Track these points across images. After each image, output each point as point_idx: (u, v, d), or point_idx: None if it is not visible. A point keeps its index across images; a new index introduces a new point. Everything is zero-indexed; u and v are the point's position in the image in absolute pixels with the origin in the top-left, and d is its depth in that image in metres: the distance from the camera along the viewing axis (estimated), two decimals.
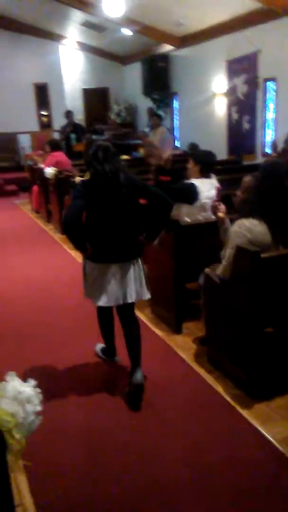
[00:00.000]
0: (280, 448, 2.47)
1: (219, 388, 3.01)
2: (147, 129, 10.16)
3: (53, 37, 12.58)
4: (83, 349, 3.59)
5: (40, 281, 5.16)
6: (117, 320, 3.21)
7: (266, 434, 2.58)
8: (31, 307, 4.48)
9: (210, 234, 3.32)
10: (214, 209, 3.18)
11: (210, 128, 9.44)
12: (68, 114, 10.55)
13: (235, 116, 8.69)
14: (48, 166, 7.37)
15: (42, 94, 13.12)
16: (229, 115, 8.85)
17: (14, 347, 3.69)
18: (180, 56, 10.34)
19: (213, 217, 3.24)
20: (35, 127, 13.11)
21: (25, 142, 12.70)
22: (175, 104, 11.15)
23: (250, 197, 2.92)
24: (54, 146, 7.88)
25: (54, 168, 7.20)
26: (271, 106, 7.91)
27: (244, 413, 2.77)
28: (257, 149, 8.17)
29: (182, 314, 3.78)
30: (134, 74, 12.22)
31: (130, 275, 2.92)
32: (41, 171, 7.71)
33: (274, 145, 7.27)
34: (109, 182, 2.78)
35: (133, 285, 2.94)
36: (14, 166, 12.40)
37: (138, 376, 2.93)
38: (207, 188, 3.60)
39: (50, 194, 7.49)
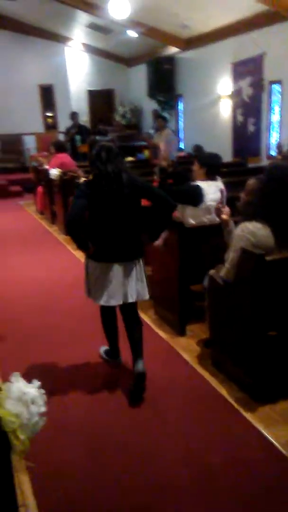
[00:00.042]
0: (284, 451, 2.46)
1: (223, 391, 3.01)
2: (152, 131, 10.18)
3: (58, 38, 12.62)
4: (86, 350, 3.59)
5: (44, 282, 5.18)
6: (120, 322, 3.22)
7: (270, 437, 2.57)
8: (35, 308, 4.49)
9: (215, 236, 3.31)
10: (218, 211, 3.18)
11: (215, 131, 9.44)
12: (73, 115, 10.57)
13: (240, 118, 8.69)
14: (53, 168, 7.39)
15: (47, 96, 13.16)
16: (234, 117, 8.85)
17: (18, 348, 3.70)
18: (186, 58, 10.35)
19: (218, 219, 3.25)
20: (40, 129, 13.15)
21: (30, 143, 12.74)
22: (180, 106, 11.16)
23: (254, 200, 2.91)
24: (59, 147, 7.91)
25: (59, 170, 7.22)
26: (276, 108, 7.91)
27: (248, 416, 2.76)
28: (262, 152, 8.17)
29: (186, 316, 3.78)
30: (139, 76, 12.25)
31: (132, 275, 2.96)
32: (46, 172, 7.73)
33: (279, 148, 7.28)
34: (112, 182, 2.81)
35: (134, 284, 2.97)
36: (19, 167, 12.44)
37: (140, 365, 2.99)
38: (212, 190, 3.60)
39: (55, 195, 7.52)
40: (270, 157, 7.91)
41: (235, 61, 8.55)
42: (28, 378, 1.48)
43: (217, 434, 2.64)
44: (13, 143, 12.71)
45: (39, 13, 11.03)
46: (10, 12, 11.52)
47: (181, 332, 3.77)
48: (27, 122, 12.62)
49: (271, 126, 8.02)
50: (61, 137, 11.21)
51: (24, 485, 2.10)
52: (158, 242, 3.79)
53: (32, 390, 1.38)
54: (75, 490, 2.28)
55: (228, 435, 2.64)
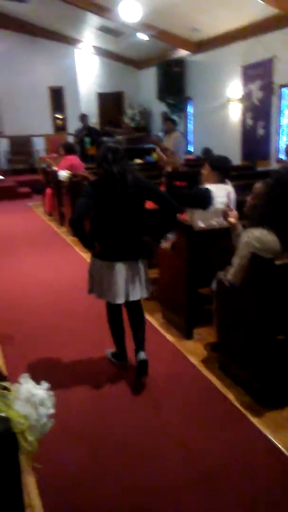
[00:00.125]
0: None
1: (230, 395, 3.00)
2: (160, 134, 10.18)
3: (69, 41, 12.68)
4: (93, 350, 3.61)
5: (52, 283, 5.19)
6: (125, 322, 3.27)
7: (276, 442, 2.56)
8: (43, 309, 4.51)
9: (224, 239, 3.31)
10: (225, 214, 3.18)
11: (224, 134, 9.42)
12: (83, 117, 10.60)
13: (249, 122, 8.67)
14: (62, 169, 7.41)
15: (57, 98, 13.21)
16: (244, 120, 8.83)
17: (26, 348, 3.72)
18: (195, 61, 10.35)
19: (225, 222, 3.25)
20: (50, 130, 13.20)
21: (39, 145, 12.81)
22: (190, 109, 11.16)
23: (260, 204, 2.91)
24: (68, 149, 7.94)
25: (68, 171, 7.25)
26: (286, 112, 7.88)
27: (255, 421, 2.75)
28: (271, 155, 8.14)
29: (193, 319, 3.77)
30: (149, 78, 12.27)
31: (135, 274, 3.04)
32: (54, 174, 7.75)
33: None
34: (117, 183, 2.89)
35: (137, 283, 3.05)
36: (28, 169, 12.49)
37: (142, 355, 3.12)
38: (222, 193, 3.59)
39: (63, 197, 7.54)
40: (279, 160, 7.87)
41: (245, 64, 8.53)
42: (35, 378, 1.49)
43: (221, 437, 2.63)
44: (22, 144, 12.77)
45: (50, 16, 11.09)
46: (21, 15, 11.59)
47: (188, 335, 3.76)
48: (37, 124, 12.68)
49: (280, 130, 8.00)
50: (71, 139, 11.26)
51: (30, 486, 2.10)
52: (166, 245, 3.79)
53: (41, 391, 1.38)
54: (76, 490, 2.29)
55: (233, 438, 2.63)
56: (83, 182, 6.29)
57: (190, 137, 11.21)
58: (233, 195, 3.74)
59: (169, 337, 3.82)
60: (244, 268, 2.83)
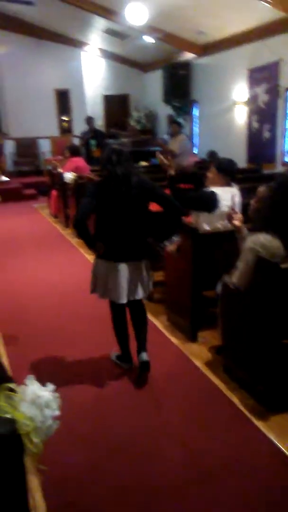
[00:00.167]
0: None
1: (234, 398, 2.99)
2: (166, 136, 10.18)
3: (75, 43, 12.71)
4: (94, 352, 3.63)
5: (57, 285, 5.20)
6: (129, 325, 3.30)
7: (281, 446, 2.55)
8: (48, 310, 4.52)
9: (229, 242, 3.31)
10: (229, 217, 3.18)
11: (230, 137, 9.42)
12: (89, 120, 10.62)
13: (255, 124, 8.66)
14: (68, 171, 7.43)
15: (63, 100, 13.24)
16: (249, 123, 8.82)
17: (30, 349, 3.73)
18: (201, 64, 10.36)
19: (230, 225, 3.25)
20: (56, 132, 13.23)
21: (45, 147, 12.84)
22: (195, 112, 11.16)
23: (264, 208, 2.90)
24: (74, 151, 7.96)
25: (74, 173, 7.26)
26: None
27: (259, 424, 2.74)
28: (277, 158, 8.13)
29: (198, 322, 3.77)
30: (154, 81, 12.28)
31: (137, 274, 3.07)
32: (60, 176, 7.77)
33: None
34: (120, 184, 2.92)
35: (139, 283, 3.09)
36: (33, 171, 12.53)
37: (144, 355, 3.17)
38: (227, 196, 3.59)
39: (69, 199, 7.55)
40: (285, 163, 7.87)
41: (251, 67, 8.53)
42: (39, 379, 1.49)
43: (224, 439, 2.63)
44: (28, 146, 12.81)
45: (57, 18, 11.13)
46: (27, 17, 11.64)
47: (192, 338, 3.76)
48: (43, 126, 12.71)
49: (286, 133, 7.99)
50: (76, 141, 11.29)
51: (34, 488, 2.11)
52: (172, 248, 3.79)
53: (46, 393, 1.38)
54: (76, 490, 2.30)
55: (237, 440, 2.63)
56: (88, 184, 6.30)
57: (196, 139, 11.21)
58: (238, 198, 3.73)
59: (173, 339, 3.81)
60: (248, 273, 2.83)
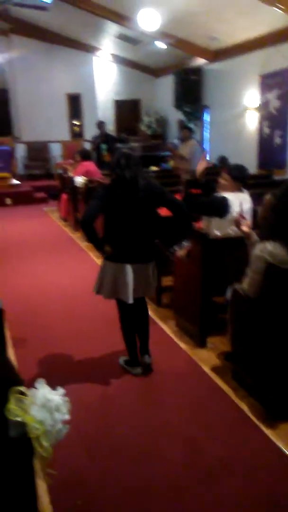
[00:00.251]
0: None
1: (243, 405, 2.97)
2: (176, 141, 10.19)
3: (87, 48, 12.80)
4: (102, 354, 3.65)
5: (67, 288, 5.22)
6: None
7: None
8: (57, 314, 4.54)
9: (239, 248, 3.29)
10: (237, 223, 3.17)
11: (241, 142, 9.40)
12: (101, 124, 10.66)
13: (266, 130, 8.64)
14: (78, 175, 7.46)
15: (75, 104, 13.33)
16: (260, 129, 8.80)
17: (39, 352, 3.73)
18: (213, 69, 10.37)
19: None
20: (67, 136, 13.31)
21: (56, 150, 12.91)
22: (206, 117, 11.16)
23: (269, 216, 2.89)
24: (84, 155, 8.00)
25: (84, 177, 7.29)
26: None
27: (268, 432, 2.72)
28: None
29: (207, 328, 3.75)
30: (166, 86, 12.30)
31: (143, 275, 3.14)
32: (71, 179, 7.81)
33: None
34: (128, 188, 2.98)
35: (143, 283, 3.16)
36: (44, 174, 12.61)
37: (147, 358, 3.31)
38: (236, 202, 3.58)
39: (79, 203, 7.58)
40: None
41: (263, 73, 8.52)
42: (47, 381, 1.50)
43: (236, 449, 2.61)
44: (39, 150, 12.90)
45: (70, 24, 11.22)
46: (41, 22, 11.75)
47: (201, 344, 3.74)
48: (54, 130, 12.80)
49: None
50: (87, 146, 11.34)
51: (42, 492, 2.11)
52: (182, 253, 3.79)
53: (57, 397, 1.38)
54: (76, 490, 2.31)
55: (247, 451, 2.60)
56: (98, 187, 6.32)
57: (206, 145, 11.20)
58: (248, 204, 3.72)
59: (182, 345, 3.80)
60: (258, 281, 2.81)
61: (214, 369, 3.42)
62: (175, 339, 3.90)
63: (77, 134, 13.54)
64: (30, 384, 1.48)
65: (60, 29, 12.11)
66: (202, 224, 3.88)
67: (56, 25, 11.77)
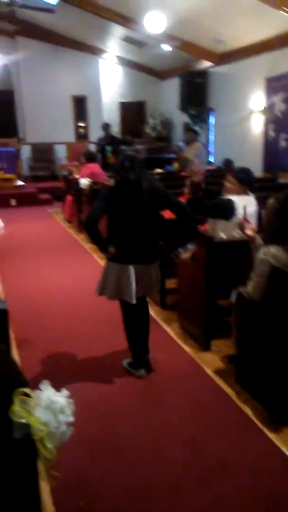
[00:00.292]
0: None
1: (247, 409, 2.96)
2: (181, 144, 10.18)
3: (93, 51, 12.83)
4: (105, 355, 3.65)
5: (71, 290, 5.22)
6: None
7: None
8: (61, 315, 4.54)
9: (244, 251, 3.29)
10: (241, 226, 3.17)
11: (246, 145, 9.40)
12: (106, 126, 10.67)
13: (271, 133, 8.63)
14: (83, 177, 7.47)
15: (80, 106, 13.36)
16: (266, 132, 8.79)
17: (44, 353, 3.74)
18: (219, 72, 10.37)
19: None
20: (72, 138, 13.34)
21: (61, 152, 12.94)
22: (211, 120, 11.16)
23: (272, 220, 2.89)
24: (89, 157, 8.01)
25: (89, 179, 7.30)
26: None
27: (272, 436, 2.71)
28: None
29: (211, 331, 3.74)
30: (171, 89, 12.32)
31: (146, 276, 3.16)
32: (75, 181, 7.82)
33: None
34: (132, 189, 3.01)
35: (146, 283, 3.18)
36: (49, 176, 12.64)
37: (146, 355, 3.34)
38: (241, 205, 3.57)
39: (83, 204, 7.59)
40: None
41: (268, 76, 8.52)
42: (51, 381, 1.50)
43: (240, 453, 2.60)
44: (44, 151, 12.94)
45: (75, 26, 11.25)
46: (47, 24, 11.79)
47: (205, 346, 3.73)
48: (59, 132, 12.83)
49: None
50: (92, 148, 11.35)
51: (45, 494, 2.11)
52: (186, 256, 3.78)
53: (61, 399, 1.38)
54: (77, 490, 2.31)
55: (251, 455, 2.59)
56: (103, 189, 6.33)
57: (211, 148, 11.20)
58: (254, 207, 3.71)
59: (185, 347, 3.79)
60: (263, 284, 2.81)
61: (218, 371, 3.41)
62: (179, 342, 3.89)
63: (82, 136, 13.57)
64: (34, 385, 1.49)
65: (65, 31, 12.15)
66: (208, 227, 3.87)
67: (61, 27, 11.81)
